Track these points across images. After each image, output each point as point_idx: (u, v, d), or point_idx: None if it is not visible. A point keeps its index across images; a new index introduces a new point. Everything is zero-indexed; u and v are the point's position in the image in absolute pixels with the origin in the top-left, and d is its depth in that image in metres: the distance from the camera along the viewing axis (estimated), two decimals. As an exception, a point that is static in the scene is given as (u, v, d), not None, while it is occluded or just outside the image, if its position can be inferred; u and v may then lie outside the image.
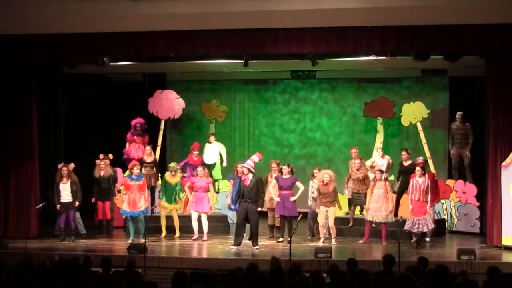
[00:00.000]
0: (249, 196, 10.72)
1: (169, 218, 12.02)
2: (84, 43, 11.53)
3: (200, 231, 11.64)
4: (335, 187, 11.26)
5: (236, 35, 11.34)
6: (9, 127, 11.96)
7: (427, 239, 11.40)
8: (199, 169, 11.98)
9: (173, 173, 11.99)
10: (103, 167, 12.31)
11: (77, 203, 11.49)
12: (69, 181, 11.43)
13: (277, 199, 11.36)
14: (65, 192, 11.39)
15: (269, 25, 11.11)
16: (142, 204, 11.45)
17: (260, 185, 10.96)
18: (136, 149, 13.25)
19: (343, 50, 11.70)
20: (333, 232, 11.15)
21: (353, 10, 10.46)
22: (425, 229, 10.91)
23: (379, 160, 12.97)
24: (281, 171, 11.57)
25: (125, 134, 13.49)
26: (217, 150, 13.91)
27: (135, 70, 13.94)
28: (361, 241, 11.33)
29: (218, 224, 12.51)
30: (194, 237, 11.60)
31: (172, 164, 12.18)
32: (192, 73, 15.00)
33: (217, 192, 13.24)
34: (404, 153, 12.65)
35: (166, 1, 10.66)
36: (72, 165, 11.88)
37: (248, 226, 10.84)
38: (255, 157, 11.36)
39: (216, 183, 13.39)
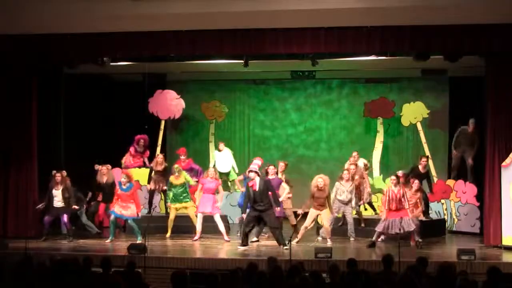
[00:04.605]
0: (261, 200, 10.52)
1: (176, 219, 11.98)
2: (84, 43, 11.53)
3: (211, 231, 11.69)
4: (329, 192, 11.22)
5: (236, 35, 11.33)
6: (9, 127, 11.94)
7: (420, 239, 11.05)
8: (211, 169, 11.96)
9: (177, 174, 11.96)
10: (105, 172, 12.21)
11: (75, 207, 11.58)
12: (61, 188, 11.52)
13: None
14: (57, 198, 11.53)
15: (269, 25, 11.10)
16: (133, 211, 11.35)
17: (269, 186, 10.75)
18: (137, 163, 13.33)
19: (343, 50, 11.67)
20: (328, 233, 11.13)
21: (353, 10, 10.46)
22: (396, 230, 10.64)
23: (339, 187, 11.61)
24: (266, 172, 11.45)
25: (125, 134, 13.56)
26: (229, 157, 13.85)
27: (135, 70, 13.95)
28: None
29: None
30: (195, 238, 11.57)
31: (175, 166, 12.15)
32: (192, 73, 15.00)
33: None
34: (424, 159, 12.49)
35: (166, 1, 10.66)
36: (64, 172, 11.85)
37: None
38: (258, 161, 11.33)
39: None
